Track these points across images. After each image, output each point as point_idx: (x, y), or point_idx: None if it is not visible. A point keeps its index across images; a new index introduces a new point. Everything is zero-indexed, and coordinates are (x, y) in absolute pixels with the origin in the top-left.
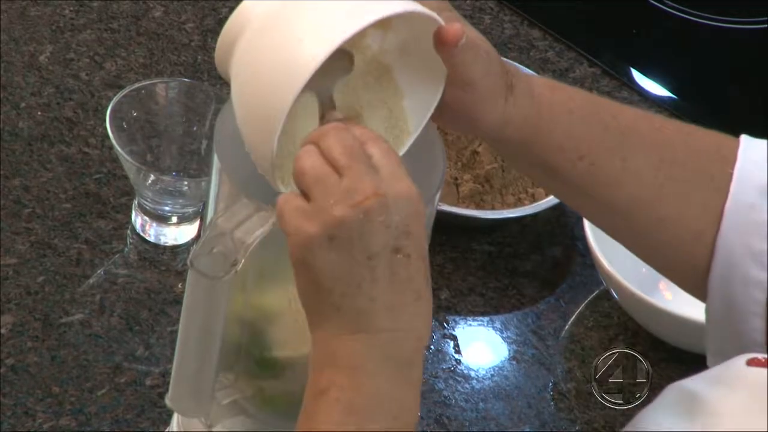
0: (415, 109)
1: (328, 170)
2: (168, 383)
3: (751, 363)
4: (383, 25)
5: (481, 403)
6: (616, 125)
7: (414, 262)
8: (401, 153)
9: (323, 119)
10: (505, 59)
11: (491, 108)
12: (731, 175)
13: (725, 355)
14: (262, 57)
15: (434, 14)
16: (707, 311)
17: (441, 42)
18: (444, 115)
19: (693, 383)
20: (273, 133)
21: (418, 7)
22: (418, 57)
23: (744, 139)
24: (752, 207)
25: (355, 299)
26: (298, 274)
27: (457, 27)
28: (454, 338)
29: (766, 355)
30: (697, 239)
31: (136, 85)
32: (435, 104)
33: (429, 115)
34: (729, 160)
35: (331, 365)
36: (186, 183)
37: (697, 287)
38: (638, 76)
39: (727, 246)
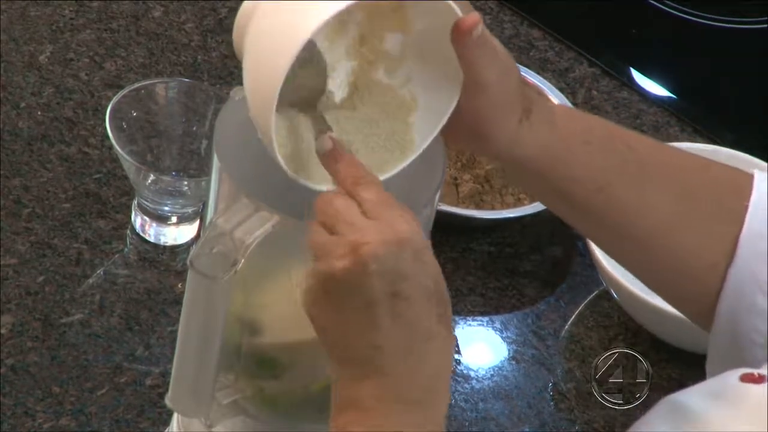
0: (424, 124)
1: (324, 235)
2: (168, 383)
3: (744, 378)
4: (403, 24)
5: (481, 403)
6: (633, 157)
7: (416, 302)
8: (403, 165)
9: (317, 141)
10: (530, 77)
11: (503, 125)
12: (746, 207)
13: None
14: (266, 28)
15: (452, 2)
16: (711, 339)
17: (457, 32)
18: (453, 128)
19: (686, 397)
20: (272, 96)
21: None
22: (436, 65)
23: (757, 173)
24: (763, 237)
25: (360, 351)
26: (313, 326)
27: (474, 15)
28: (454, 338)
29: (759, 371)
30: (711, 270)
31: (136, 85)
32: (446, 117)
33: (438, 129)
34: (744, 193)
35: (348, 407)
36: (186, 183)
37: (703, 316)
38: (638, 76)
39: (738, 275)
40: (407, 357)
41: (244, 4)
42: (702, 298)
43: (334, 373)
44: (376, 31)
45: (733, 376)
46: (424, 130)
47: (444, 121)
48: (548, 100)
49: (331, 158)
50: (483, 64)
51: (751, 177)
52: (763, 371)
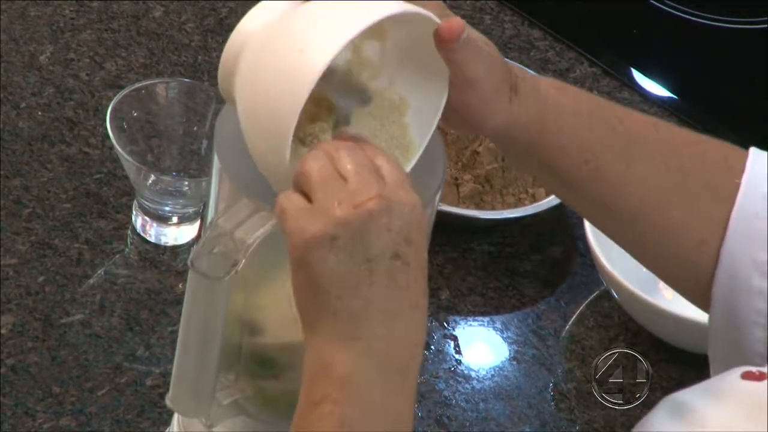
0: (419, 122)
1: (334, 174)
2: (168, 383)
3: (745, 376)
4: (379, 34)
5: (481, 404)
6: (623, 130)
7: (413, 270)
8: (408, 169)
9: (335, 135)
10: (508, 60)
11: (496, 108)
12: (738, 185)
13: (728, 365)
14: (264, 72)
15: (430, 14)
16: (710, 321)
17: (442, 39)
18: (449, 120)
19: (687, 395)
20: (284, 143)
21: (415, 8)
22: (418, 65)
23: (753, 151)
24: (756, 216)
25: (351, 302)
26: (296, 275)
27: (458, 21)
28: (455, 338)
29: (760, 369)
30: (700, 248)
31: (137, 85)
32: (440, 112)
33: (434, 125)
34: (737, 171)
35: (324, 376)
36: (186, 183)
37: (700, 297)
38: (638, 76)
39: (732, 255)
40: (392, 321)
41: (232, 37)
42: (694, 277)
43: (308, 335)
44: (355, 43)
45: (733, 374)
46: (421, 128)
47: (438, 115)
48: (526, 72)
49: (358, 142)
50: (469, 60)
51: (744, 154)
52: (763, 369)
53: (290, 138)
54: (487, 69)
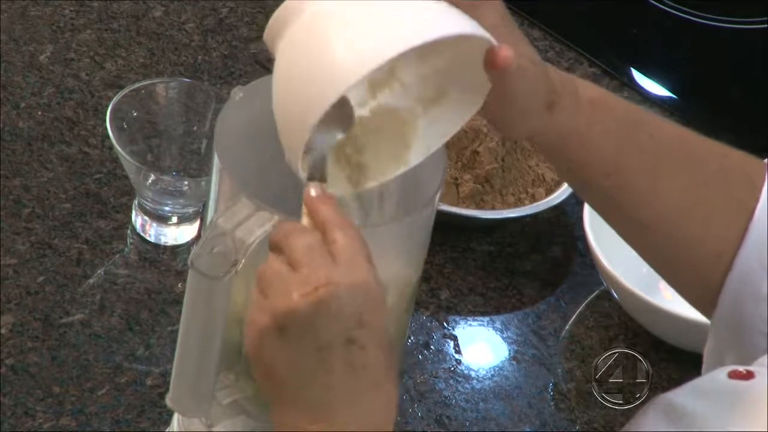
0: (437, 128)
1: (284, 268)
2: (168, 383)
3: (732, 375)
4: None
5: (481, 403)
6: (651, 146)
7: (371, 351)
8: (405, 169)
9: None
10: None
11: (527, 121)
12: (757, 197)
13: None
14: (306, 56)
15: (488, 35)
16: (713, 325)
17: (494, 65)
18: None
19: (676, 396)
20: (304, 132)
21: (474, 29)
22: (457, 77)
23: None
24: None
25: (309, 391)
26: (255, 367)
27: (509, 54)
28: (455, 338)
29: (746, 368)
30: (717, 260)
31: (136, 85)
32: (463, 123)
33: (453, 133)
34: (757, 185)
35: None
36: (186, 183)
37: (705, 303)
38: (638, 76)
39: (745, 263)
40: (355, 404)
41: (287, 3)
42: (706, 285)
43: (276, 421)
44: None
45: (721, 373)
46: (437, 133)
47: (460, 126)
48: (575, 84)
49: (317, 201)
50: (514, 83)
51: (763, 166)
52: (750, 367)
53: (308, 132)
54: (529, 90)
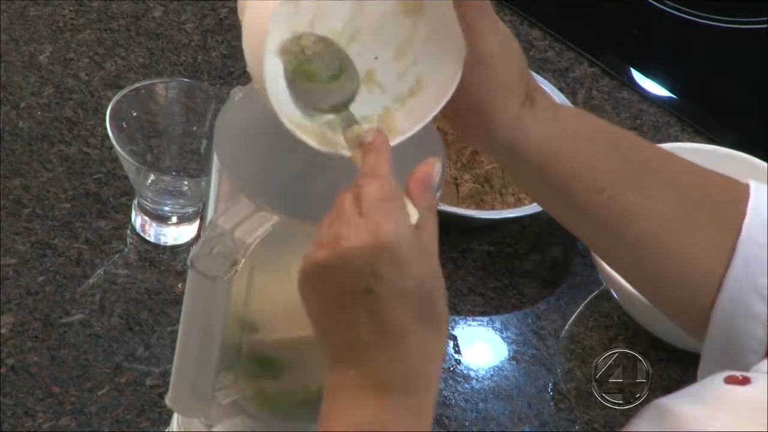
0: (429, 98)
1: (325, 222)
2: (168, 383)
3: (728, 381)
4: (417, 9)
5: (481, 404)
6: (635, 160)
7: (391, 301)
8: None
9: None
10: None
11: (505, 103)
12: (744, 214)
13: None
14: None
15: None
16: (705, 345)
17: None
18: (456, 106)
19: (672, 401)
20: (261, 53)
21: None
22: (440, 42)
23: (753, 183)
24: (761, 246)
25: (337, 338)
26: (304, 301)
27: None
28: (454, 338)
29: (743, 373)
30: (705, 277)
31: (136, 85)
32: (449, 96)
33: (439, 108)
34: (741, 201)
35: (333, 392)
36: (186, 183)
37: (695, 325)
38: (638, 76)
39: (735, 282)
40: (383, 350)
41: None
42: (694, 303)
43: (322, 355)
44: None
45: (717, 378)
46: (425, 107)
47: (447, 99)
48: (551, 97)
49: (367, 149)
50: (484, 29)
51: (745, 186)
52: (746, 373)
53: (264, 51)
54: (501, 47)
